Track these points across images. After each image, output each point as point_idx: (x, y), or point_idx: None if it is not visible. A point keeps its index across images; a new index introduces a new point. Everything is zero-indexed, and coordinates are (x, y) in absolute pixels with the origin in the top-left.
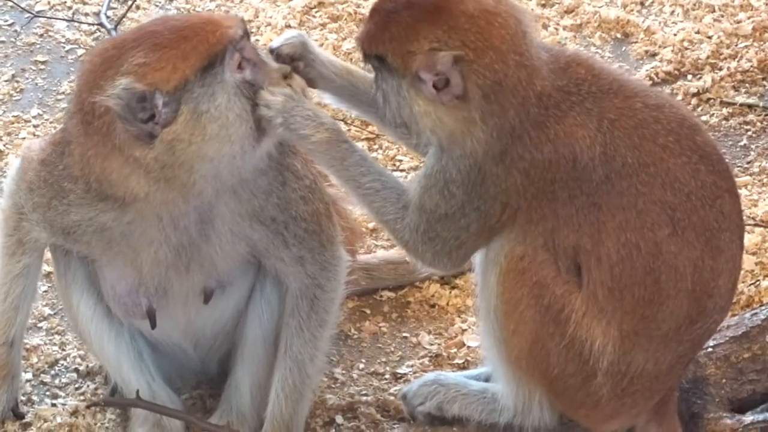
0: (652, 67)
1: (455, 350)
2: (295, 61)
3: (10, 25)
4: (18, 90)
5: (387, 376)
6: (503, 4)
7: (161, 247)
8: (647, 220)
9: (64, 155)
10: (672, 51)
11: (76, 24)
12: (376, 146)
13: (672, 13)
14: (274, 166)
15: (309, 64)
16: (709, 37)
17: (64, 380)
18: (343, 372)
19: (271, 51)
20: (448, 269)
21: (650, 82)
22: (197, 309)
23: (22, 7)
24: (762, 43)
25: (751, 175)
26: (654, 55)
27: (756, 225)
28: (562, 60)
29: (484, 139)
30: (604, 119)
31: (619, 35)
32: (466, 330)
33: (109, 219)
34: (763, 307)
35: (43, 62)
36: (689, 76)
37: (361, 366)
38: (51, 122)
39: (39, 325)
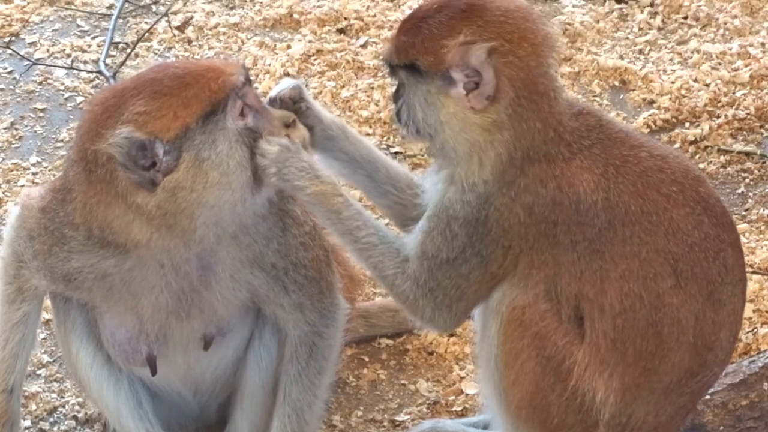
0: (650, 115)
1: (453, 398)
2: (297, 104)
3: (9, 72)
4: (17, 137)
5: (385, 424)
6: (536, 14)
7: (162, 293)
8: (650, 271)
9: (65, 202)
10: (670, 99)
11: (75, 72)
12: None
13: (670, 60)
14: (274, 212)
15: (307, 107)
16: (707, 85)
17: (62, 427)
18: (341, 419)
19: (272, 101)
20: (447, 325)
21: (648, 130)
22: (197, 356)
23: (21, 55)
24: (759, 91)
25: (748, 222)
26: (652, 102)
27: (754, 272)
28: (576, 107)
29: (506, 150)
30: (609, 165)
31: (617, 83)
32: (464, 377)
33: (111, 265)
34: (760, 355)
35: (42, 110)
36: (687, 124)
37: (359, 413)
38: (50, 170)
39: (38, 372)
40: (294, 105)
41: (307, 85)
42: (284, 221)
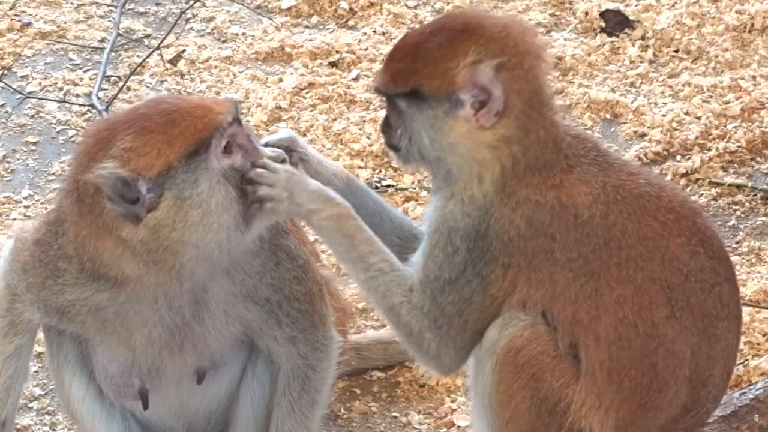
0: (641, 148)
1: (445, 430)
2: (290, 152)
3: (1, 106)
4: (9, 171)
5: None
6: (530, 26)
7: (155, 327)
8: (645, 299)
9: (59, 235)
10: (661, 131)
11: (67, 105)
12: None
13: (661, 93)
14: (267, 247)
15: (303, 158)
16: (698, 118)
17: None
18: None
19: (267, 144)
20: (452, 362)
21: (639, 163)
22: (190, 390)
23: (13, 88)
24: (750, 123)
25: (739, 255)
26: (643, 135)
27: (745, 304)
28: (573, 130)
29: (510, 163)
30: (607, 185)
31: (608, 116)
32: (455, 410)
33: (104, 299)
34: (751, 387)
35: (34, 143)
36: (678, 157)
37: None
38: (42, 203)
39: (30, 405)
40: (287, 153)
41: (298, 119)
42: (277, 255)
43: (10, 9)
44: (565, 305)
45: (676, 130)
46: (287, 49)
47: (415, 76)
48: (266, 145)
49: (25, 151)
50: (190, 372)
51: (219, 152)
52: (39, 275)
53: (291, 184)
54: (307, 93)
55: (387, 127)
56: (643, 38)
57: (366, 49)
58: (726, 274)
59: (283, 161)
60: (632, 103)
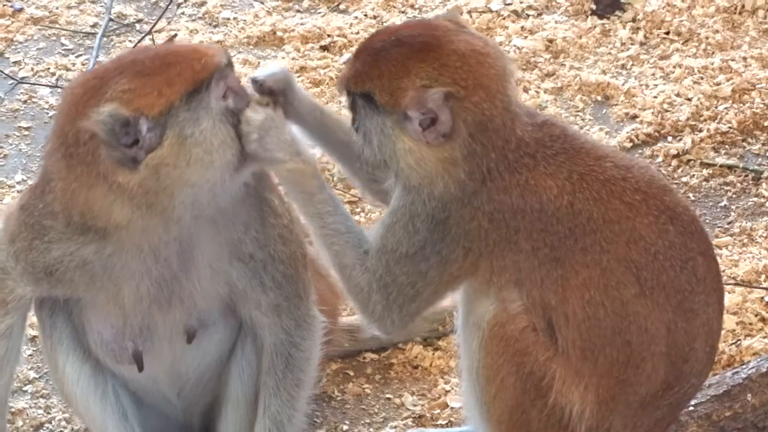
0: (633, 129)
1: (438, 411)
2: (276, 96)
3: None
4: (2, 156)
5: None
6: (491, 47)
7: (143, 280)
8: (612, 279)
9: (45, 193)
10: (652, 113)
11: (59, 90)
12: (358, 209)
13: (652, 75)
14: (252, 195)
15: (289, 101)
16: (689, 99)
17: None
18: None
19: (255, 81)
20: (394, 326)
21: (631, 144)
22: (181, 349)
23: (6, 74)
24: (741, 104)
25: (731, 235)
26: (634, 117)
27: (737, 284)
28: (539, 118)
29: (460, 179)
30: (573, 173)
31: (599, 98)
32: (449, 391)
33: (91, 252)
34: (744, 366)
35: (26, 128)
36: (669, 138)
37: (345, 428)
38: None
39: (24, 388)
40: (273, 96)
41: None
42: (263, 209)
43: None
44: (532, 289)
45: (667, 111)
46: (279, 33)
47: (369, 83)
48: (259, 81)
49: (17, 136)
50: (179, 330)
51: (218, 93)
52: (26, 239)
53: (265, 127)
54: (299, 76)
55: (353, 110)
56: (633, 20)
57: (357, 32)
58: (699, 248)
59: (267, 104)
60: (623, 85)
